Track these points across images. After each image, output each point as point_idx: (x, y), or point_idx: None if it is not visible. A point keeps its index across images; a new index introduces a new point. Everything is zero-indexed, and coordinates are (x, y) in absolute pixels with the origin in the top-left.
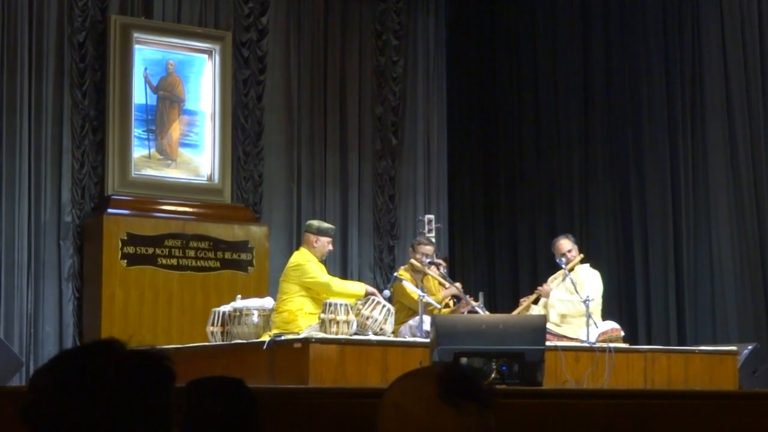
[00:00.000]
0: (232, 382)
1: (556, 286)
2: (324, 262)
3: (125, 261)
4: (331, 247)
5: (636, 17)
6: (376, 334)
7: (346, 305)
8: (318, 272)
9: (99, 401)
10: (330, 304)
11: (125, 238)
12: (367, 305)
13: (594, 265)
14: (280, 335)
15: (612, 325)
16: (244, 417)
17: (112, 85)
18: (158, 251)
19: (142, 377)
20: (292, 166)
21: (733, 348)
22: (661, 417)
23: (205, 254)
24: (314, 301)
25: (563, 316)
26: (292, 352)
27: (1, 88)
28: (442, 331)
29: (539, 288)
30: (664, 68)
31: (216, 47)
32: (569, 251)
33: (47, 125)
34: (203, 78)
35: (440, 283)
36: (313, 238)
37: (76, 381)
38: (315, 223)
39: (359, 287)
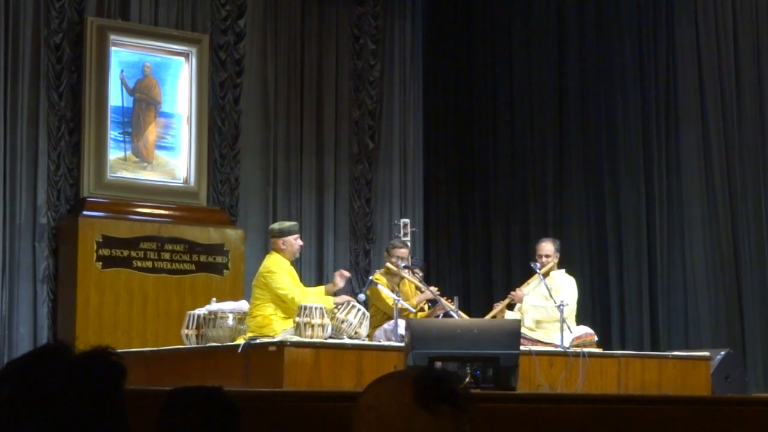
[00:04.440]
0: (212, 393)
1: (529, 291)
2: (297, 261)
3: (100, 263)
4: (300, 242)
5: (611, 25)
6: (351, 337)
7: (321, 309)
8: (287, 285)
9: (53, 411)
10: (305, 308)
11: (100, 240)
12: (342, 309)
13: (569, 271)
14: (255, 338)
15: (586, 330)
16: (224, 428)
17: (89, 86)
18: (133, 254)
19: (93, 379)
20: (268, 169)
21: (706, 353)
22: (634, 422)
23: (180, 257)
24: (286, 307)
25: (538, 322)
26: (267, 356)
27: None
28: (416, 335)
29: (512, 293)
30: (638, 75)
31: (193, 50)
32: (547, 255)
33: (23, 126)
34: (180, 80)
35: (416, 287)
36: (279, 241)
37: (27, 394)
38: (275, 226)
39: (328, 302)
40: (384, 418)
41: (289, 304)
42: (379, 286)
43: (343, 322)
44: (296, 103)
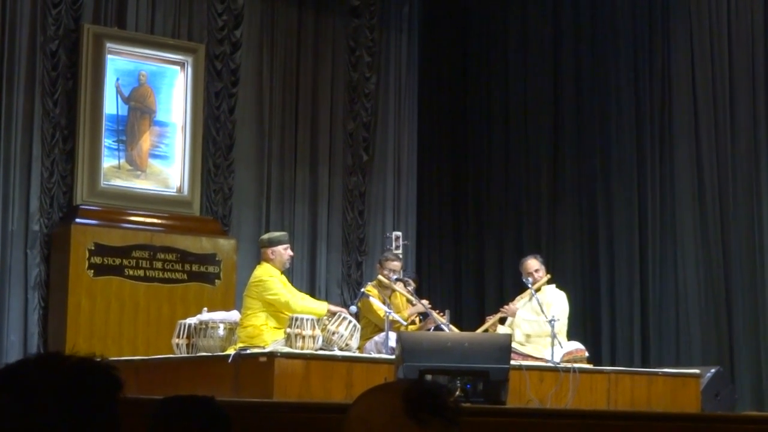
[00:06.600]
0: (204, 402)
1: (522, 306)
2: (289, 272)
3: (92, 271)
4: (290, 253)
5: (607, 41)
6: (341, 349)
7: (312, 320)
8: (279, 289)
9: (47, 419)
10: (296, 319)
11: (93, 248)
12: (333, 321)
13: (560, 286)
14: (245, 348)
15: (576, 345)
16: None
17: (84, 94)
18: (125, 262)
19: (89, 390)
20: (262, 179)
21: (696, 371)
22: None
23: (172, 266)
24: (277, 317)
25: (528, 336)
26: (258, 366)
27: None
28: (407, 347)
29: (505, 307)
30: (633, 92)
31: (189, 59)
32: (536, 271)
33: (17, 133)
34: (175, 90)
35: (408, 300)
36: (268, 251)
37: (21, 400)
38: (265, 236)
39: (321, 306)
40: (373, 429)
41: (283, 308)
42: (371, 299)
43: (334, 333)
44: (291, 114)
